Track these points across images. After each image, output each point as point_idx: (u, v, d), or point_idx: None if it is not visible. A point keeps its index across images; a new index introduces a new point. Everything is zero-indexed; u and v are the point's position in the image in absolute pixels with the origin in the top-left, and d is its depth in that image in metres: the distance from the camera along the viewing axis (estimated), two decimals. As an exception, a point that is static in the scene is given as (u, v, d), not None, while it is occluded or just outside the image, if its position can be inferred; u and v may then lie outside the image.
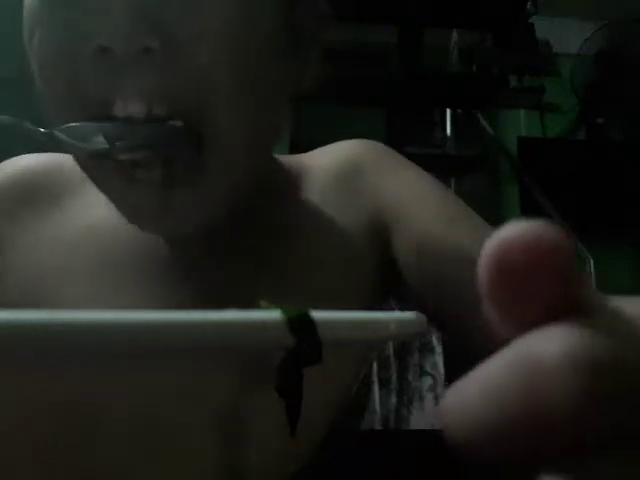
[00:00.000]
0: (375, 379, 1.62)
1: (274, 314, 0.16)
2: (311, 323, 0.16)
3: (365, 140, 0.49)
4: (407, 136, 2.11)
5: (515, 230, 0.14)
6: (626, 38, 2.17)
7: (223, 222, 0.39)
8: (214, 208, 0.36)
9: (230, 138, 0.33)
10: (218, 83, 0.31)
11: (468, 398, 0.14)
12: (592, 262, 1.98)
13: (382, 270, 0.44)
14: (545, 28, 2.19)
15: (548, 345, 0.13)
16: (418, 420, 1.63)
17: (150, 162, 0.31)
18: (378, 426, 1.60)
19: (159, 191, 0.33)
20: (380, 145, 0.49)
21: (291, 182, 0.46)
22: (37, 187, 0.42)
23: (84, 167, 0.35)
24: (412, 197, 0.44)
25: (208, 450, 0.23)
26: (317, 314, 0.17)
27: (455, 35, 2.27)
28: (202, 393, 0.25)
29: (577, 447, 0.13)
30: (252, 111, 0.34)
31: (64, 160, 0.44)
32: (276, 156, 0.48)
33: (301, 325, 0.16)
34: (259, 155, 0.38)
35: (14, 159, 0.43)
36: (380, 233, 0.44)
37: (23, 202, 0.42)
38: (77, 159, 0.35)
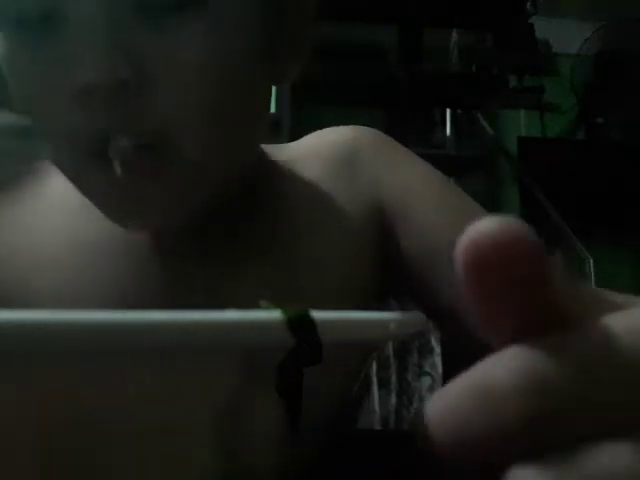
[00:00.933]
0: (374, 379, 1.62)
1: (274, 314, 0.16)
2: (311, 323, 0.16)
3: (361, 127, 0.47)
4: (407, 136, 2.11)
5: (487, 226, 0.14)
6: (626, 38, 2.17)
7: (208, 218, 0.40)
8: (187, 205, 0.36)
9: (197, 155, 0.34)
10: (187, 117, 0.32)
11: (436, 414, 0.15)
12: (592, 262, 1.98)
13: (382, 267, 0.43)
14: (545, 28, 2.19)
15: (500, 371, 0.14)
16: (418, 420, 1.62)
17: (125, 160, 0.32)
18: (378, 426, 1.60)
19: (133, 187, 0.33)
20: (377, 132, 0.47)
21: (283, 176, 0.45)
22: (19, 185, 0.43)
23: (59, 166, 0.36)
24: (414, 189, 0.43)
25: (208, 450, 0.23)
26: (317, 314, 0.17)
27: (455, 35, 2.27)
28: (202, 393, 0.28)
29: (538, 452, 0.14)
30: (221, 134, 0.35)
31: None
32: (266, 149, 0.46)
33: (301, 325, 0.16)
34: (232, 160, 0.38)
35: None
36: (380, 227, 0.43)
37: (7, 200, 0.42)
38: (55, 156, 0.35)
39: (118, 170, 0.32)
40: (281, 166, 0.45)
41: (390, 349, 1.62)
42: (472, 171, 2.23)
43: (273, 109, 1.68)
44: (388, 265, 0.43)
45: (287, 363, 0.16)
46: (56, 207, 0.42)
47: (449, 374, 1.73)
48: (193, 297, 0.37)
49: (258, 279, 0.39)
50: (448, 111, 2.29)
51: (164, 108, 0.32)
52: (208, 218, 0.40)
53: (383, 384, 1.62)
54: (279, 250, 0.41)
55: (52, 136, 0.34)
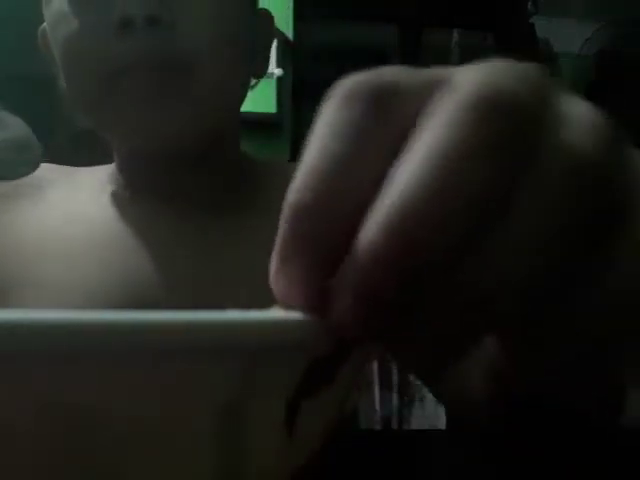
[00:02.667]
0: (375, 379, 1.62)
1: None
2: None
3: None
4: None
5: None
6: (627, 38, 2.17)
7: (198, 202, 0.48)
8: (200, 122, 0.45)
9: (212, 72, 0.44)
10: (203, 46, 0.43)
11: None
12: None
13: None
14: (546, 28, 2.19)
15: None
16: (419, 420, 1.63)
17: (149, 73, 0.41)
18: (378, 426, 1.60)
19: (155, 99, 0.42)
20: None
21: (265, 170, 0.53)
22: (20, 186, 0.49)
23: (90, 91, 0.44)
24: None
25: (208, 450, 0.23)
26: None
27: (456, 35, 2.27)
28: (202, 393, 0.28)
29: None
30: (226, 65, 0.45)
31: (47, 165, 0.52)
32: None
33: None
34: (231, 95, 0.49)
35: None
36: None
37: (11, 199, 0.48)
38: (85, 90, 0.44)
39: (146, 87, 0.41)
40: (264, 163, 0.55)
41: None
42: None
43: (273, 109, 1.69)
44: None
45: (320, 364, 0.16)
46: (54, 209, 0.48)
47: (450, 374, 1.73)
48: (185, 285, 0.44)
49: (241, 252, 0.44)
50: (449, 111, 2.29)
51: (187, 37, 0.42)
52: (200, 187, 0.48)
53: (384, 384, 1.62)
54: (257, 220, 0.45)
55: (89, 66, 0.42)
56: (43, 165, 0.50)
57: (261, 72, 0.53)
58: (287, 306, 0.16)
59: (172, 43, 0.41)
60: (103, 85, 0.43)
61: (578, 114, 0.15)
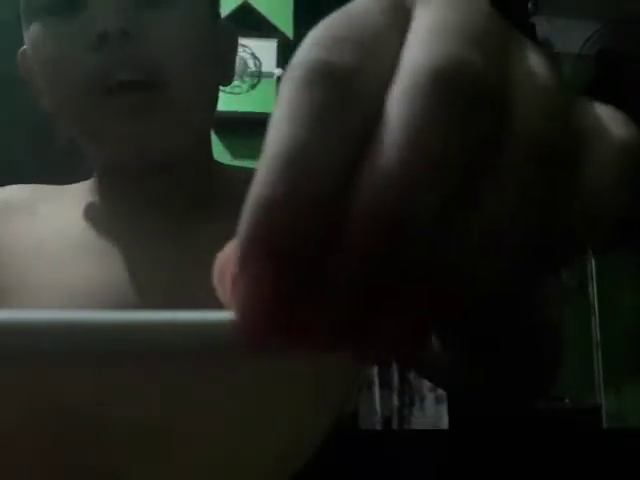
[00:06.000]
0: (376, 379, 1.62)
1: None
2: None
3: None
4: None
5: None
6: (627, 38, 2.17)
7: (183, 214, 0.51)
8: (175, 132, 0.49)
9: (183, 82, 0.47)
10: (169, 62, 0.47)
11: None
12: (593, 261, 1.98)
13: None
14: (546, 28, 2.19)
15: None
16: (419, 420, 1.63)
17: (134, 89, 0.45)
18: (379, 426, 1.60)
19: (141, 113, 0.45)
20: None
21: (237, 176, 0.56)
22: (17, 204, 0.54)
23: (71, 106, 0.48)
24: None
25: (208, 450, 0.23)
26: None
27: (456, 35, 2.27)
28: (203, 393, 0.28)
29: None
30: (193, 80, 0.49)
31: (37, 185, 0.58)
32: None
33: None
34: (202, 103, 0.52)
35: None
36: None
37: (7, 217, 0.53)
38: (69, 101, 0.48)
39: (119, 100, 0.45)
40: (237, 169, 0.60)
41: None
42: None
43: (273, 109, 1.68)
44: None
45: None
46: (45, 222, 0.52)
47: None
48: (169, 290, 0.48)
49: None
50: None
51: (153, 54, 0.46)
52: (177, 195, 0.52)
53: (384, 384, 1.62)
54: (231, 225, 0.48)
55: (69, 81, 0.46)
56: (33, 186, 0.57)
57: (229, 80, 0.57)
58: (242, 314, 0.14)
59: (143, 53, 0.46)
60: (83, 100, 0.47)
61: (534, 84, 0.15)
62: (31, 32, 0.48)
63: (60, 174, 0.62)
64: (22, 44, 0.52)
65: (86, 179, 0.57)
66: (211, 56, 0.52)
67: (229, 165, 0.61)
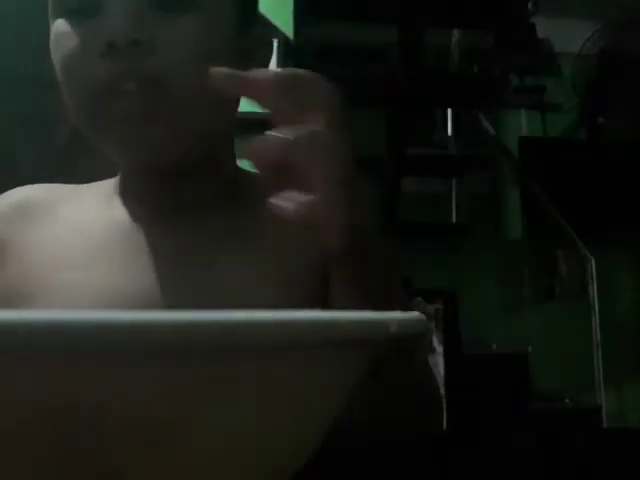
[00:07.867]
0: (376, 379, 1.61)
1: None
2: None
3: None
4: (408, 136, 2.11)
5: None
6: (627, 37, 2.17)
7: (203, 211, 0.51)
8: (183, 138, 0.49)
9: (193, 89, 0.47)
10: (177, 69, 0.47)
11: None
12: (593, 261, 1.98)
13: None
14: (546, 28, 2.19)
15: None
16: (419, 420, 1.62)
17: (132, 91, 0.46)
18: (379, 426, 1.60)
19: (139, 117, 0.46)
20: None
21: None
22: (36, 205, 0.55)
23: (83, 109, 0.48)
24: None
25: (208, 450, 0.23)
26: (319, 314, 0.17)
27: (456, 35, 2.27)
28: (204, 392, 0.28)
29: None
30: (201, 86, 0.45)
31: (55, 185, 0.57)
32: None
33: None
34: (216, 111, 0.52)
35: (17, 189, 0.56)
36: None
37: (27, 218, 0.54)
38: (80, 104, 0.48)
39: (126, 104, 0.46)
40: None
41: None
42: (472, 171, 2.22)
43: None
44: None
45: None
46: (66, 223, 0.53)
47: (451, 374, 1.73)
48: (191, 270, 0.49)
49: (236, 253, 0.49)
50: (449, 111, 2.29)
51: (166, 56, 0.46)
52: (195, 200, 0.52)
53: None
54: (252, 233, 0.49)
55: (78, 83, 0.47)
56: (52, 185, 0.57)
57: None
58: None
59: (152, 61, 0.47)
60: (93, 104, 0.48)
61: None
62: (54, 27, 0.49)
63: (60, 174, 0.62)
64: (22, 44, 0.52)
65: (86, 179, 0.57)
66: (233, 63, 0.51)
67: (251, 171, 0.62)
